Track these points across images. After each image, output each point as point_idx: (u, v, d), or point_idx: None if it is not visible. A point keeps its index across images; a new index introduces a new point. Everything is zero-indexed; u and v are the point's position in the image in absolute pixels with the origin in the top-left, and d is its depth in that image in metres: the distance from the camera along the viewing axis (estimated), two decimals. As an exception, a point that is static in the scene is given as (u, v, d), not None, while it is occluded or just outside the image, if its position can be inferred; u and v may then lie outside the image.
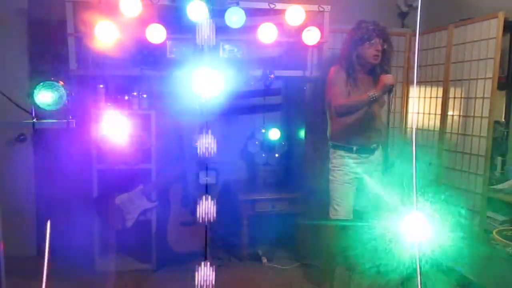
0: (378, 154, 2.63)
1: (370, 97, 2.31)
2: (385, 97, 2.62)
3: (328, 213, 2.65)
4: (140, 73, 2.77)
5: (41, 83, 1.50)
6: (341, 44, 2.60)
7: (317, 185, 3.21)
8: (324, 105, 3.16)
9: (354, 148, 2.53)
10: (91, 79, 2.83)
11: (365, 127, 2.51)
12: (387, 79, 2.30)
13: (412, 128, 3.44)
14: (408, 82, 3.41)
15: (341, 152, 2.56)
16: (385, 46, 2.46)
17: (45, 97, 1.50)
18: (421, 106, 3.34)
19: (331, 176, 2.61)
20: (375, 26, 2.42)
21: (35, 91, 1.49)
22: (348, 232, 2.80)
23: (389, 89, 2.31)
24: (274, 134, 3.30)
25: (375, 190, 2.72)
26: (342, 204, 2.56)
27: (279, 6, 2.72)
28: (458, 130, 2.95)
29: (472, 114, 2.82)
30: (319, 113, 3.18)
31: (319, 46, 2.91)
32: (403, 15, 3.67)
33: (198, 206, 1.47)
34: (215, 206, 1.47)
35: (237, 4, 2.62)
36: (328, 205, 2.66)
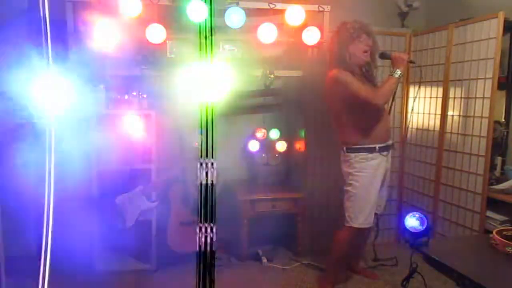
0: (390, 151, 2.61)
1: (397, 76, 2.33)
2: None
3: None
4: (140, 73, 2.77)
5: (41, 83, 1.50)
6: (329, 50, 2.55)
7: (317, 185, 3.21)
8: (324, 104, 3.16)
9: (377, 148, 2.45)
10: (91, 79, 2.83)
11: (381, 123, 2.46)
12: (401, 54, 2.36)
13: (412, 128, 3.44)
14: (408, 82, 3.41)
15: (363, 155, 2.44)
16: (370, 43, 2.45)
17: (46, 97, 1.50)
18: (421, 106, 3.34)
19: (354, 182, 2.46)
20: (360, 25, 2.42)
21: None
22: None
23: (409, 62, 2.36)
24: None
25: (385, 190, 2.69)
26: (366, 211, 2.45)
27: (279, 6, 2.72)
28: (458, 130, 2.95)
29: (472, 114, 2.83)
30: (319, 113, 3.19)
31: (319, 46, 2.91)
32: (403, 15, 3.67)
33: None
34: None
35: (237, 4, 2.62)
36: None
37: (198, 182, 1.37)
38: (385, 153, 2.51)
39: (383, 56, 2.46)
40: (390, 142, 2.55)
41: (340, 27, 2.46)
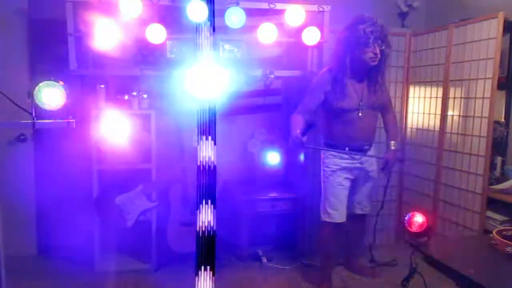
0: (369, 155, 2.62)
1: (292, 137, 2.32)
2: (386, 97, 2.62)
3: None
4: (140, 73, 2.77)
5: (41, 83, 1.50)
6: (335, 43, 2.48)
7: (317, 185, 3.21)
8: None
9: (346, 149, 2.50)
10: (91, 79, 2.83)
11: (355, 128, 2.48)
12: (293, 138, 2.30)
13: (412, 128, 3.44)
14: (408, 82, 3.41)
15: (332, 152, 2.53)
16: (383, 47, 2.34)
17: (45, 97, 1.51)
18: (421, 106, 3.34)
19: (323, 177, 2.59)
20: (373, 28, 2.28)
21: (35, 91, 1.49)
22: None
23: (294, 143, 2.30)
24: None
25: (369, 192, 2.71)
26: (335, 207, 2.52)
27: (279, 6, 2.72)
28: (458, 130, 2.95)
29: (472, 114, 2.82)
30: (319, 113, 3.19)
31: (319, 46, 2.91)
32: (403, 15, 3.67)
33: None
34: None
35: (237, 4, 2.62)
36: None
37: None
38: (356, 156, 2.53)
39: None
40: (366, 147, 2.56)
41: (352, 25, 2.33)
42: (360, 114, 2.45)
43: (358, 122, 2.47)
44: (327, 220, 2.54)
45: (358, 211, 2.70)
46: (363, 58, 2.35)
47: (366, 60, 2.35)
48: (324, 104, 2.50)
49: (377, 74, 2.46)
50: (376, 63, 2.38)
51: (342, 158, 2.52)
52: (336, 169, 2.52)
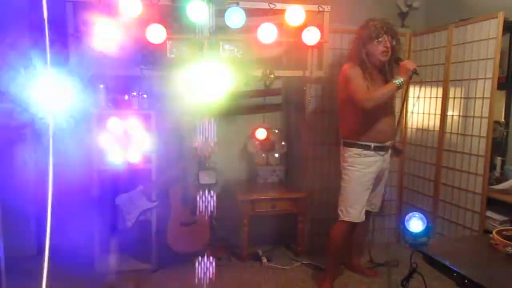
0: (389, 152, 2.62)
1: (398, 84, 2.34)
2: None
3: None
4: (140, 73, 2.77)
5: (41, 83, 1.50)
6: (351, 43, 2.62)
7: (317, 185, 3.22)
8: (324, 104, 3.17)
9: (372, 146, 2.49)
10: (91, 79, 2.83)
11: (381, 123, 2.48)
12: (409, 64, 2.35)
13: (412, 128, 3.44)
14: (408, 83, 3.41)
15: (358, 151, 2.50)
16: (393, 43, 2.47)
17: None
18: (421, 106, 3.34)
19: (345, 176, 2.55)
20: (382, 24, 2.44)
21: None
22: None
23: (413, 73, 2.34)
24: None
25: (382, 190, 2.71)
26: (356, 206, 2.50)
27: (279, 6, 2.72)
28: (458, 130, 2.95)
29: (472, 114, 2.82)
30: (319, 112, 3.19)
31: (319, 46, 2.91)
32: (403, 15, 3.67)
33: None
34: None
35: (237, 4, 2.62)
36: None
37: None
38: (381, 152, 2.52)
39: (396, 60, 2.48)
40: (388, 143, 2.55)
41: (364, 24, 2.49)
42: (385, 104, 2.46)
43: (384, 116, 2.48)
44: (346, 219, 2.52)
45: (367, 208, 2.69)
46: (376, 53, 2.45)
47: (378, 54, 2.45)
48: (350, 99, 2.48)
49: (390, 69, 2.52)
50: (387, 58, 2.47)
51: (367, 156, 2.49)
52: (361, 168, 2.50)
